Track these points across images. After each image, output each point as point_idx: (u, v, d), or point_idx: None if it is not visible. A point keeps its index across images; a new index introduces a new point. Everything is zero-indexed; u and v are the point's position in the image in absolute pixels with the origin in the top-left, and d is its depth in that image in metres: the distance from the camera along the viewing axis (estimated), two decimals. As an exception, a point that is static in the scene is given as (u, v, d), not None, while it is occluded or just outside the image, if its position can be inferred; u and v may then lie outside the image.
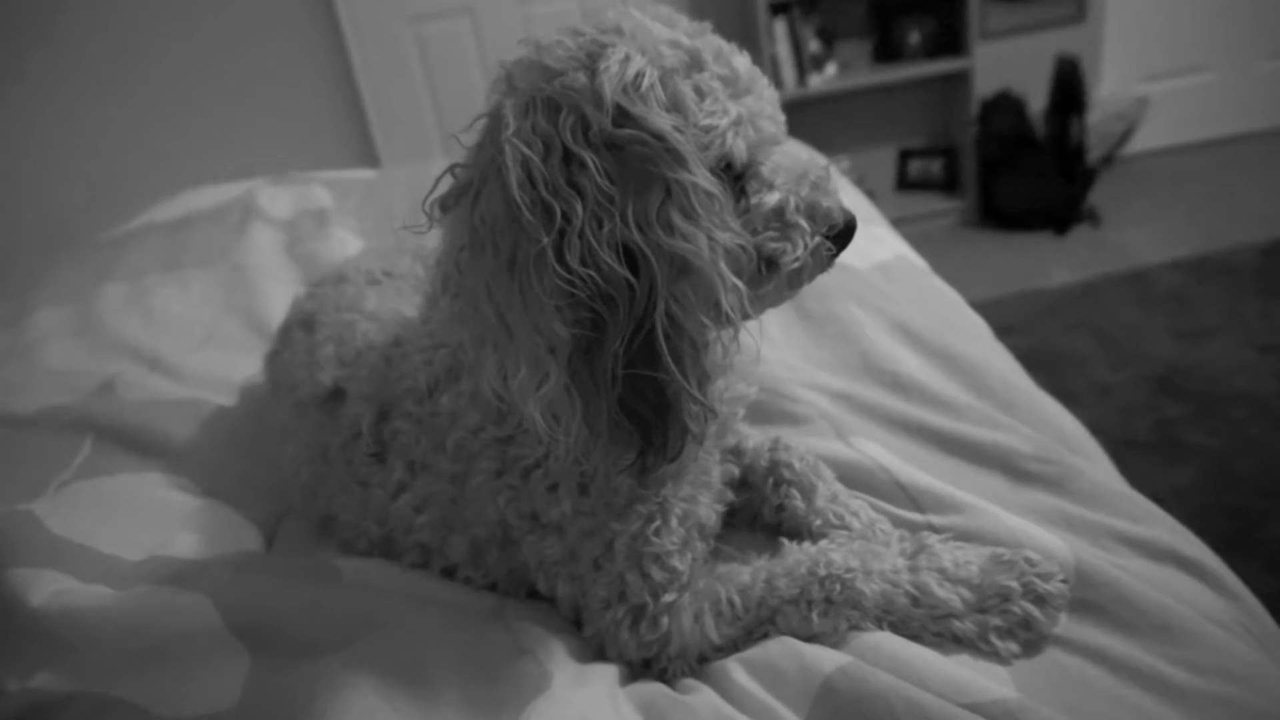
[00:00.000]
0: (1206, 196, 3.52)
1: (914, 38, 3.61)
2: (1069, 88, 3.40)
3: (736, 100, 0.67)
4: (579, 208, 0.59)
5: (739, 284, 0.63)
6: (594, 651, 0.76)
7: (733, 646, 0.73)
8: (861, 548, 0.73)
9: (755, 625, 0.72)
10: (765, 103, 0.69)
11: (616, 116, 0.61)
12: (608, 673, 0.72)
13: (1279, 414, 2.18)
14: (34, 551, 0.84)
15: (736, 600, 0.72)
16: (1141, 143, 3.85)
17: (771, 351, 1.05)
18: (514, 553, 0.79)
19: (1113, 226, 3.42)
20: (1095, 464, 0.88)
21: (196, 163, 3.31)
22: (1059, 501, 0.80)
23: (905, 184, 3.95)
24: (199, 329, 1.42)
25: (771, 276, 0.70)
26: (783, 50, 3.49)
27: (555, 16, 3.47)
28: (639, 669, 0.75)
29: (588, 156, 0.60)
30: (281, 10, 3.36)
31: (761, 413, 0.96)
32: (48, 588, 0.79)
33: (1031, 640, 0.68)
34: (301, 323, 1.00)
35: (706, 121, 0.64)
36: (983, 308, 2.98)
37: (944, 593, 0.69)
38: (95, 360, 1.33)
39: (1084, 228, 3.45)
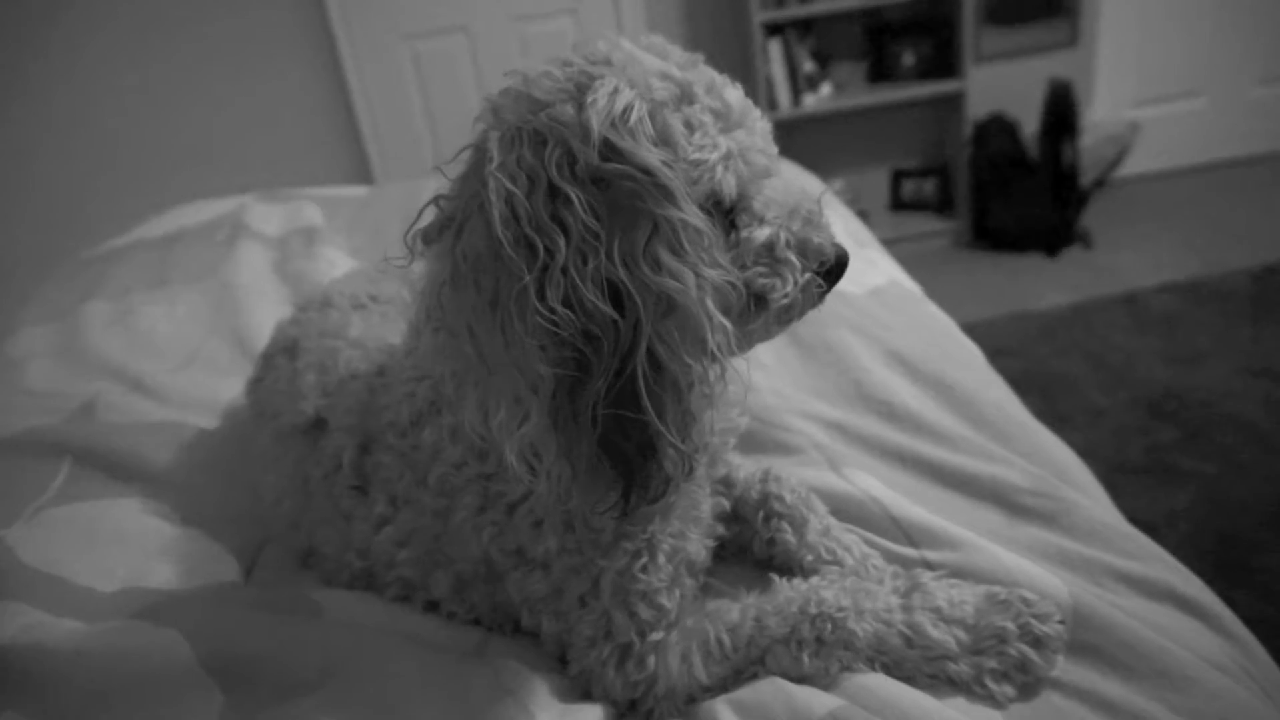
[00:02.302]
0: (1198, 220, 3.53)
1: (908, 59, 3.63)
2: (1061, 111, 3.42)
3: (727, 134, 0.65)
4: (563, 244, 0.58)
5: (726, 323, 0.62)
6: (579, 691, 0.74)
7: (721, 687, 0.71)
8: (854, 585, 0.71)
9: (745, 665, 0.70)
10: (757, 136, 0.68)
11: (604, 150, 0.60)
12: (593, 714, 0.70)
13: (1271, 440, 2.17)
14: (3, 583, 0.82)
15: (726, 639, 0.71)
16: (1134, 166, 3.86)
17: (764, 379, 1.03)
18: (498, 589, 0.77)
19: (1105, 249, 3.43)
20: (1091, 498, 0.86)
21: (190, 178, 3.30)
22: (1055, 537, 0.79)
23: (899, 204, 3.96)
24: (183, 349, 1.40)
25: (760, 313, 0.68)
26: (777, 71, 3.50)
27: (550, 35, 3.48)
28: (625, 710, 0.73)
29: (573, 192, 0.58)
30: (277, 27, 3.36)
31: (753, 442, 0.95)
32: (17, 621, 0.77)
33: (1028, 683, 0.66)
34: (284, 349, 0.99)
35: (696, 156, 0.63)
36: (975, 329, 2.98)
37: (938, 633, 0.67)
38: (76, 381, 1.30)
39: (1076, 250, 3.46)
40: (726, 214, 0.67)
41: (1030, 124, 3.56)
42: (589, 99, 0.61)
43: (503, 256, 0.58)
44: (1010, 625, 0.67)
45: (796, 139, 3.73)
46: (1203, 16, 3.75)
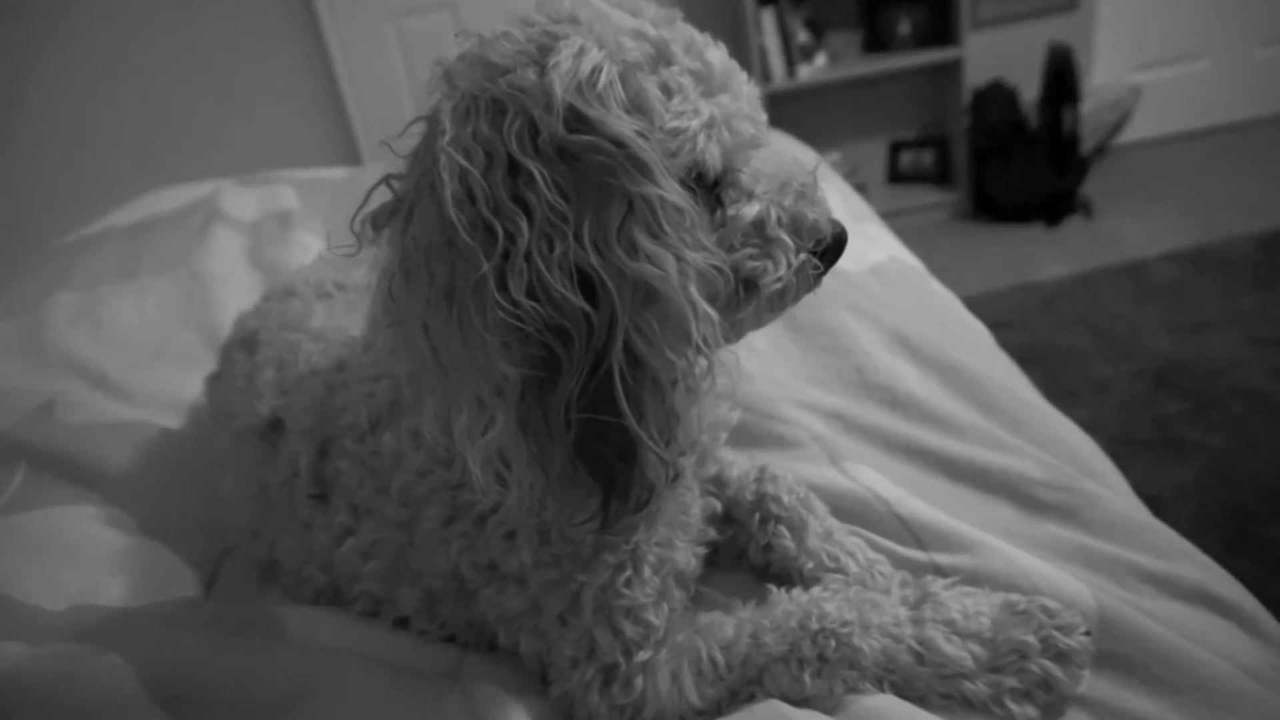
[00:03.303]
0: (1201, 187, 3.46)
1: (904, 28, 3.53)
2: (1062, 77, 3.33)
3: (710, 99, 0.58)
4: (525, 227, 0.51)
5: (711, 312, 0.55)
6: (561, 716, 0.68)
7: (715, 709, 0.65)
8: (858, 596, 0.65)
9: (740, 685, 0.64)
10: (743, 101, 0.61)
11: (570, 120, 0.53)
12: (575, 742, 0.64)
13: (1278, 409, 2.12)
14: (-56, 603, 0.76)
15: (719, 658, 0.64)
16: (1135, 132, 3.78)
17: (759, 366, 0.97)
18: (471, 604, 0.71)
19: (1106, 217, 3.35)
20: (1110, 487, 0.80)
21: (171, 161, 3.22)
22: (1075, 534, 0.73)
23: (897, 176, 3.87)
24: (151, 343, 1.34)
25: (751, 299, 0.62)
26: (771, 41, 3.41)
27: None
28: (614, 736, 0.67)
29: (536, 167, 0.52)
30: (261, 5, 3.26)
31: (748, 435, 0.88)
32: (-47, 645, 0.71)
33: (1052, 703, 0.60)
34: (243, 342, 0.92)
35: (674, 124, 0.56)
36: (977, 301, 2.92)
37: (952, 649, 0.61)
38: (38, 378, 1.24)
39: (1077, 219, 3.39)
40: (711, 189, 0.61)
41: (1030, 91, 3.48)
42: (551, 61, 0.54)
43: (457, 243, 0.51)
44: (1031, 639, 0.61)
45: (791, 111, 3.64)
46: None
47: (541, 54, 0.55)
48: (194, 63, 3.30)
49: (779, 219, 0.62)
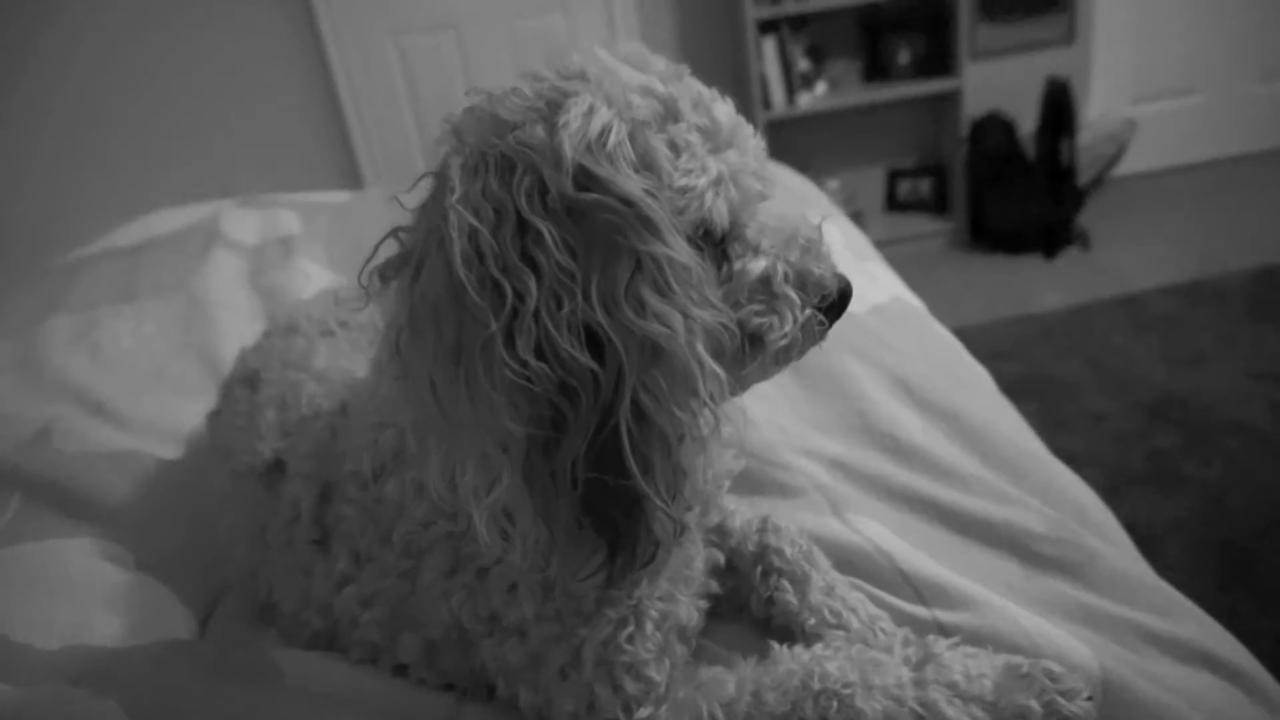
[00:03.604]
0: (1196, 219, 3.49)
1: (904, 57, 3.56)
2: (1059, 109, 3.36)
3: (717, 155, 0.59)
4: (534, 286, 0.51)
5: (718, 369, 0.55)
6: (560, 770, 0.67)
7: None
8: (861, 655, 0.64)
9: None
10: (750, 156, 0.61)
11: (579, 178, 0.53)
12: (574, 798, 0.63)
13: (1274, 445, 2.12)
14: (-66, 641, 0.75)
15: (720, 716, 0.64)
16: (1131, 164, 3.81)
17: (763, 411, 0.97)
18: (471, 654, 0.70)
19: (1103, 249, 3.38)
20: (1114, 543, 0.80)
21: (173, 180, 3.21)
22: (1078, 591, 0.73)
23: (894, 204, 3.89)
24: (149, 367, 1.33)
25: (757, 354, 0.62)
26: (771, 69, 3.43)
27: (541, 32, 3.40)
28: (612, 793, 0.66)
29: (544, 226, 0.52)
30: (262, 24, 3.27)
31: (751, 482, 0.88)
32: (-56, 687, 0.70)
33: None
34: (245, 379, 0.92)
35: (682, 182, 0.56)
36: (974, 332, 2.93)
37: (954, 712, 0.60)
38: (34, 403, 1.23)
39: (1074, 250, 3.41)
40: (718, 244, 0.61)
41: (1027, 122, 3.51)
42: (561, 119, 0.54)
43: (466, 301, 0.51)
44: (1034, 704, 0.60)
45: (791, 137, 3.66)
46: (1200, 12, 3.69)
47: (551, 110, 0.55)
48: (196, 81, 3.31)
49: (785, 275, 0.62)
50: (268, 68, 3.34)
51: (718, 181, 0.58)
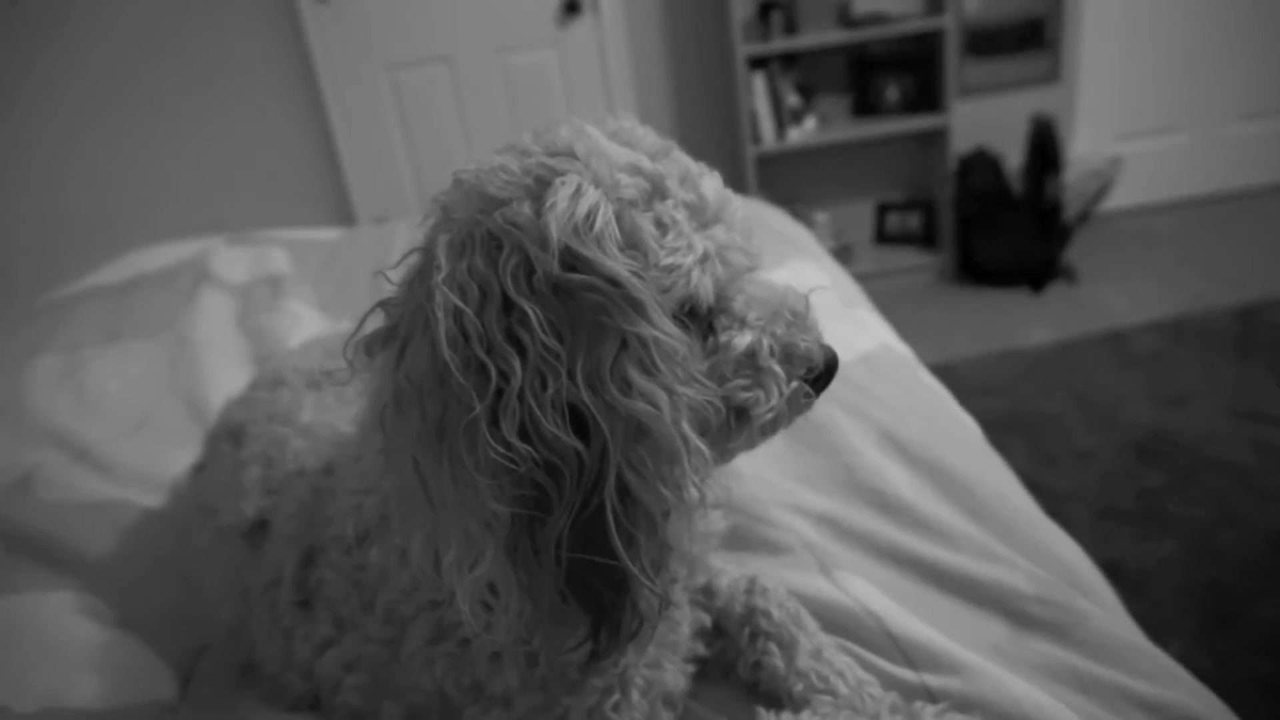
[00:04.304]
0: (1181, 256, 3.52)
1: (892, 94, 3.61)
2: (1044, 146, 3.41)
3: (704, 231, 0.59)
4: (519, 367, 0.51)
5: (703, 447, 0.55)
6: (544, 842, 0.66)
7: None
8: (844, 718, 0.64)
9: None
10: (736, 231, 0.62)
11: (565, 259, 0.53)
12: None
13: (1260, 485, 2.13)
14: (-93, 705, 0.74)
15: None
16: (1116, 201, 3.86)
17: (749, 464, 0.96)
18: None
19: (1089, 284, 3.41)
20: (1103, 605, 0.80)
21: (166, 216, 3.21)
22: (1066, 654, 0.73)
23: (883, 238, 3.93)
24: (134, 412, 1.32)
25: (743, 428, 0.62)
26: (761, 104, 3.47)
27: (533, 67, 3.44)
28: None
29: (530, 307, 0.52)
30: (256, 58, 3.29)
31: (738, 539, 0.88)
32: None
33: None
34: (230, 434, 0.91)
35: (669, 260, 0.56)
36: (963, 367, 2.94)
37: None
38: (16, 448, 1.22)
39: (1061, 285, 3.44)
40: (704, 319, 0.61)
41: (1014, 158, 3.55)
42: (549, 200, 0.54)
43: (450, 382, 0.51)
44: None
45: (780, 171, 3.70)
46: (1183, 51, 3.76)
47: (539, 188, 0.56)
48: (189, 115, 3.32)
49: (771, 349, 0.62)
50: (261, 101, 3.35)
51: (704, 259, 0.58)
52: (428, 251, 0.56)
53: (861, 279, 3.61)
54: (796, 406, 0.64)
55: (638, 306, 0.53)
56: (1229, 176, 3.98)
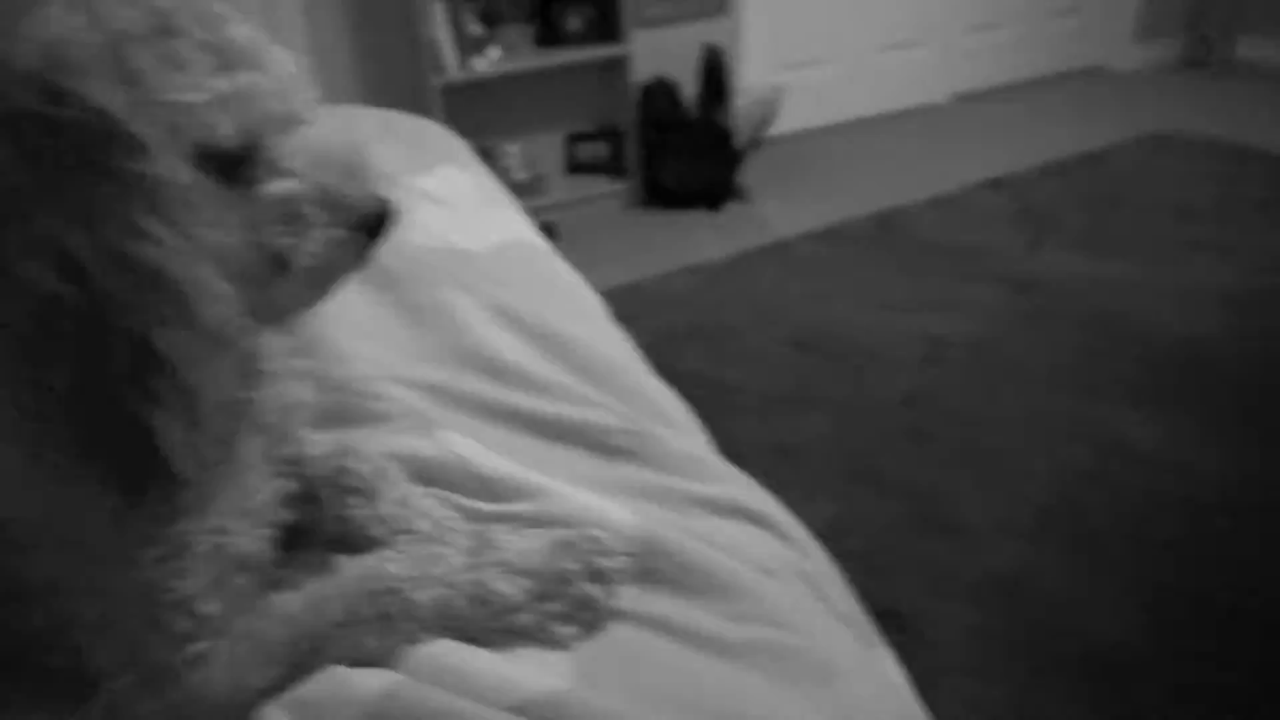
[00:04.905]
0: (836, 174, 3.96)
1: (575, 23, 3.66)
2: (715, 75, 3.65)
3: (228, 74, 0.57)
4: None
5: (226, 290, 0.54)
6: (109, 726, 0.63)
7: (280, 688, 0.64)
8: (421, 552, 0.67)
9: (304, 660, 0.64)
10: (273, 79, 0.60)
11: (48, 92, 0.49)
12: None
13: (884, 357, 2.49)
14: None
15: (281, 634, 0.63)
16: (784, 126, 4.26)
17: (367, 348, 0.96)
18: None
19: (760, 202, 3.74)
20: (683, 434, 0.90)
21: None
22: (640, 472, 0.81)
23: (576, 167, 4.02)
24: None
25: (283, 277, 0.61)
26: (442, 33, 3.38)
27: None
28: (169, 742, 0.63)
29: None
30: None
31: (343, 415, 0.88)
32: None
33: (591, 620, 0.67)
34: None
35: (175, 98, 0.54)
36: (650, 284, 3.11)
37: (506, 586, 0.65)
38: None
39: (736, 204, 3.74)
40: (236, 166, 0.59)
41: (690, 87, 3.77)
42: (23, 28, 0.50)
43: None
44: (574, 565, 0.66)
45: (470, 104, 3.65)
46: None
47: (12, 21, 0.51)
48: None
49: (314, 196, 0.61)
50: None
51: (224, 100, 0.56)
52: None
53: (556, 208, 3.72)
54: (347, 257, 0.63)
55: (135, 143, 0.50)
56: (876, 103, 4.52)
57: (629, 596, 0.68)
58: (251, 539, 0.68)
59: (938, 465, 2.06)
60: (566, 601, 0.66)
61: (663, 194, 3.79)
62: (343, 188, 0.63)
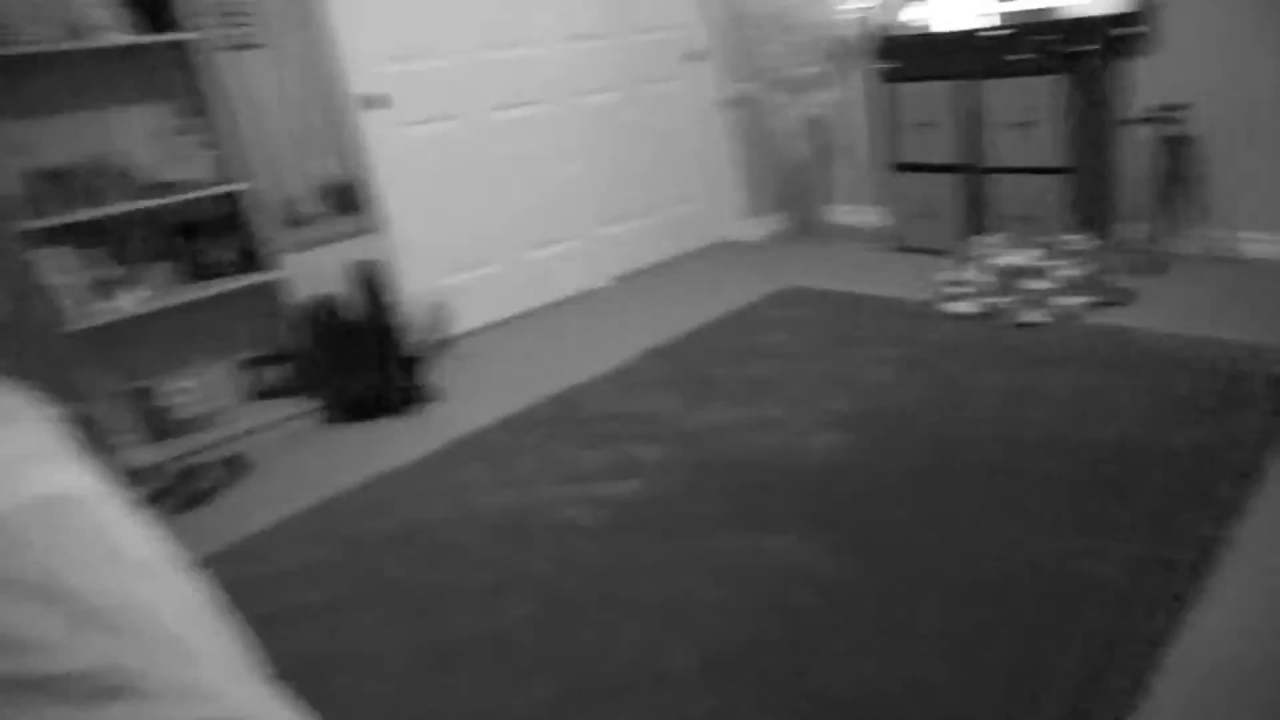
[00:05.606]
0: (518, 363, 4.16)
1: (223, 255, 3.62)
2: (372, 289, 3.77)
3: None
4: None
5: None
6: None
7: None
8: None
9: None
10: None
11: None
12: None
13: (596, 537, 2.57)
14: None
15: None
16: (465, 324, 4.44)
17: None
18: None
19: (454, 401, 3.80)
20: (172, 656, 0.86)
21: None
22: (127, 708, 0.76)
23: (265, 392, 3.86)
24: None
25: None
26: (70, 278, 3.18)
27: None
28: None
29: None
30: None
31: None
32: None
33: None
34: None
35: None
36: (352, 495, 3.00)
37: None
38: None
39: (429, 405, 3.77)
40: None
41: (354, 301, 3.84)
42: None
43: None
44: None
45: (125, 346, 3.44)
46: (468, 205, 4.55)
47: None
48: None
49: None
50: None
51: None
52: None
53: (246, 437, 3.51)
54: None
55: None
56: (541, 295, 4.88)
57: None
58: None
59: (639, 618, 2.14)
60: None
61: (352, 406, 3.74)
62: None
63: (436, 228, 4.43)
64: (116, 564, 1.08)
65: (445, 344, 4.21)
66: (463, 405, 3.73)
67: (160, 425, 3.57)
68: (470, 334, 4.58)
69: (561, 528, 2.61)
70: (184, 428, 3.58)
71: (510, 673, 2.02)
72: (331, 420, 3.75)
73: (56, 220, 3.11)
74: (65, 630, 0.86)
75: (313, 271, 3.89)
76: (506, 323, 4.74)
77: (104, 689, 0.76)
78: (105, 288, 3.32)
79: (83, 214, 3.16)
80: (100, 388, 3.47)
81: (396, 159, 4.24)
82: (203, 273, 3.58)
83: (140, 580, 1.05)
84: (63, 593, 0.94)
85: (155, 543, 1.24)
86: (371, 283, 3.76)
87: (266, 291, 3.69)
